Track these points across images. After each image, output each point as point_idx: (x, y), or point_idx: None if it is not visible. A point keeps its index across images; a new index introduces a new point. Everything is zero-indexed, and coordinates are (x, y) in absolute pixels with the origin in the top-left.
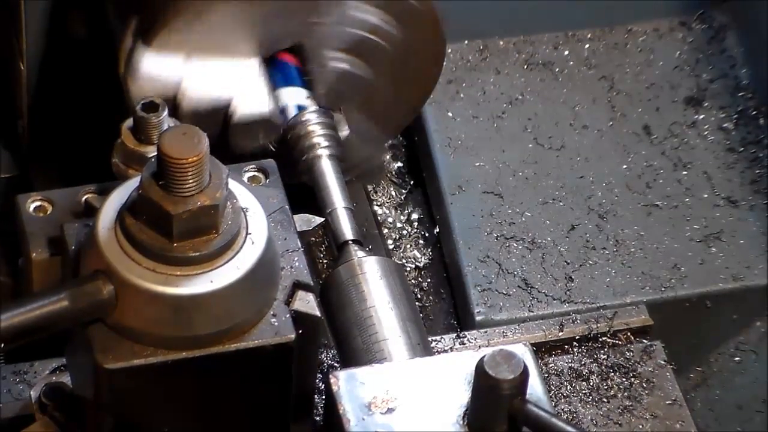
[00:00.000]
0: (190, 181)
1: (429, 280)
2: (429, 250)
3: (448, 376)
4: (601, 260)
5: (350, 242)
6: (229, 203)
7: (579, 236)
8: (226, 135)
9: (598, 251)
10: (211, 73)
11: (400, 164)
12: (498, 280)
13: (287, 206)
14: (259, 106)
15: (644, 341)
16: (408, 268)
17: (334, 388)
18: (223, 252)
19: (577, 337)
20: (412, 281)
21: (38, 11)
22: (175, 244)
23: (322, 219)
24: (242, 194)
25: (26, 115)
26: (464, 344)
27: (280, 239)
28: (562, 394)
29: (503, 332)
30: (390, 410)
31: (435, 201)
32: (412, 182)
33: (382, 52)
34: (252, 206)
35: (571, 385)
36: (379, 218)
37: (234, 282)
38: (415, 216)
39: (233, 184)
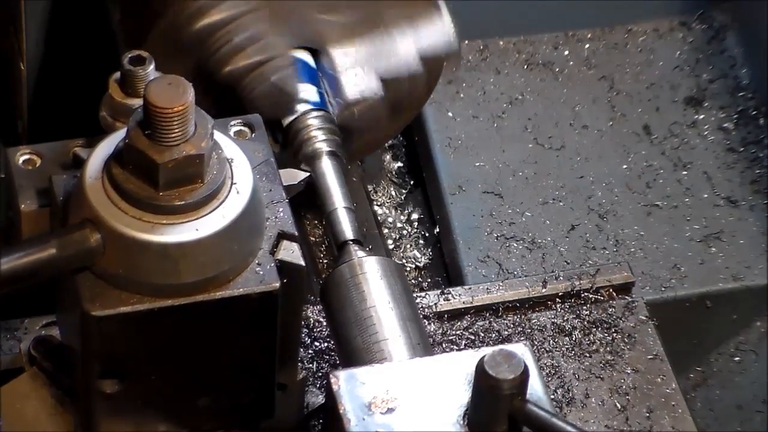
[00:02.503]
0: (176, 130)
1: (429, 280)
2: (429, 250)
3: (448, 376)
4: (601, 260)
5: (350, 242)
6: (214, 153)
7: (579, 236)
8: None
9: (598, 251)
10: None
11: (400, 164)
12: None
13: (273, 159)
14: (293, 84)
15: (626, 298)
16: (408, 268)
17: (334, 387)
18: (209, 201)
19: (560, 294)
20: (412, 281)
21: (38, 11)
22: (161, 193)
23: (308, 174)
24: (228, 146)
25: (26, 115)
26: (448, 300)
27: (265, 191)
28: (545, 349)
29: (487, 289)
30: (390, 410)
31: (435, 201)
32: (412, 182)
33: (401, 91)
34: (237, 157)
35: (553, 341)
36: (379, 218)
37: (219, 230)
38: (415, 216)
39: (219, 136)
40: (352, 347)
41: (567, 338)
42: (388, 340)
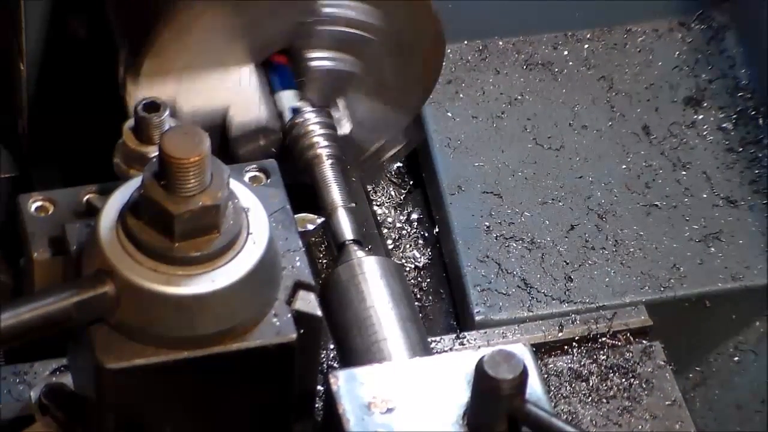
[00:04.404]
0: (192, 181)
1: (428, 280)
2: (428, 250)
3: (448, 376)
4: (600, 260)
5: (350, 242)
6: (230, 203)
7: (578, 236)
8: (227, 146)
9: (598, 251)
10: (203, 87)
11: (399, 164)
12: (497, 280)
13: (288, 206)
14: (256, 114)
15: (643, 342)
16: (407, 268)
17: (334, 388)
18: (225, 252)
19: (576, 338)
20: (412, 281)
21: (38, 11)
22: (176, 244)
23: (323, 219)
24: (243, 194)
25: (26, 115)
26: (464, 345)
27: (281, 239)
28: (562, 395)
29: (503, 333)
30: (390, 410)
31: (434, 201)
32: (411, 182)
33: (370, 44)
34: (253, 206)
35: (570, 386)
36: (378, 218)
37: (235, 282)
38: (414, 216)
39: (234, 184)
40: (351, 347)
41: (584, 384)
42: (388, 340)
